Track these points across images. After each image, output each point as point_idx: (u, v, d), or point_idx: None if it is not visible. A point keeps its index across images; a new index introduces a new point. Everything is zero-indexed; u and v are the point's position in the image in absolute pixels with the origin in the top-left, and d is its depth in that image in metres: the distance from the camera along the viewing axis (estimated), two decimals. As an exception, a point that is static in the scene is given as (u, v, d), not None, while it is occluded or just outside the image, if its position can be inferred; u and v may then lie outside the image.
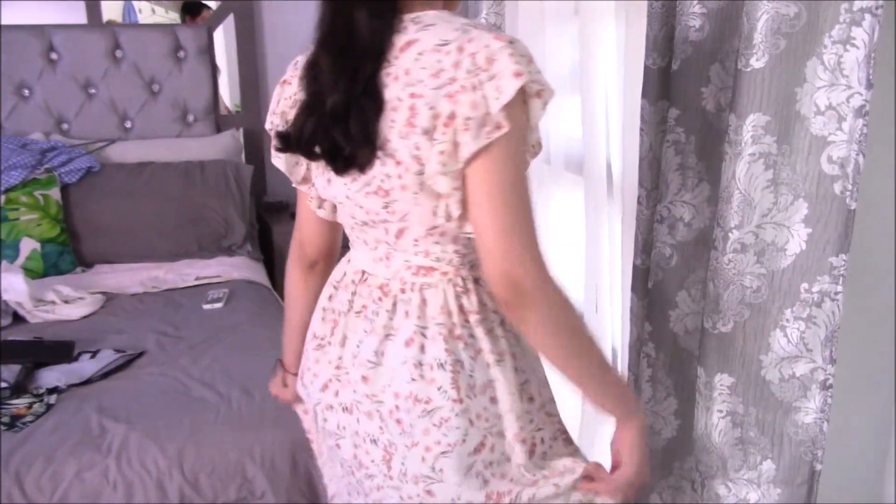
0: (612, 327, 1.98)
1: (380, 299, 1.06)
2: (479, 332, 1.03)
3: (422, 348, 1.01)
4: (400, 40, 0.95)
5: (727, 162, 1.14)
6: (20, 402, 1.70)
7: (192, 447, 1.58)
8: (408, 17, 0.97)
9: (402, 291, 1.04)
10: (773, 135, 1.08)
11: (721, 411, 1.21)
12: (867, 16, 0.97)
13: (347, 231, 1.14)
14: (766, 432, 1.17)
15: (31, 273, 2.50)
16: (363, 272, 1.10)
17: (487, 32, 0.92)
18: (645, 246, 1.54)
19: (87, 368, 1.86)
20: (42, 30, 2.87)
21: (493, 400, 1.03)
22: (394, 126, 0.94)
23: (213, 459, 1.58)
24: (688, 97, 1.31)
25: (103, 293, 2.42)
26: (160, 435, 1.60)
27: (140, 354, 1.97)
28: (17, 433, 1.59)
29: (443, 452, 1.00)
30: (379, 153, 0.96)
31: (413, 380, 1.00)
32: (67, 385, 1.79)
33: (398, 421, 1.02)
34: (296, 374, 1.25)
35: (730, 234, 1.14)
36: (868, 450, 1.34)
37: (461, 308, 1.03)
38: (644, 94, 1.46)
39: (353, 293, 1.09)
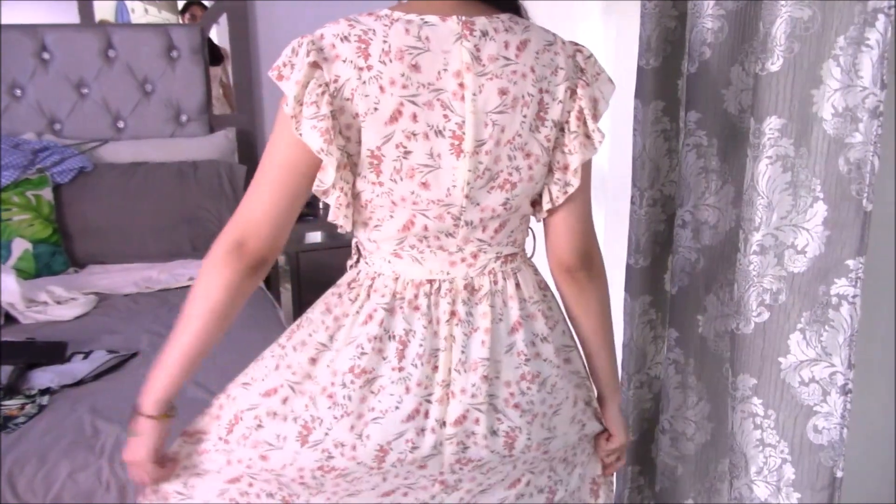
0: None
1: (469, 299, 1.08)
2: (554, 304, 1.15)
3: (526, 329, 1.09)
4: (513, 39, 1.01)
5: (748, 164, 1.14)
6: (12, 404, 1.69)
7: (185, 448, 1.58)
8: (503, 16, 1.03)
9: (495, 283, 1.09)
10: (790, 137, 1.09)
11: (743, 412, 1.21)
12: (880, 16, 0.98)
13: (399, 245, 1.06)
14: (786, 436, 1.16)
15: (23, 273, 2.49)
16: (430, 281, 1.07)
17: (562, 37, 1.07)
18: (638, 246, 1.54)
19: (80, 369, 1.85)
20: (34, 29, 2.86)
21: (568, 361, 1.15)
22: (525, 121, 1.02)
23: (207, 460, 1.57)
24: (708, 100, 1.31)
25: (96, 294, 2.40)
26: (154, 436, 1.59)
27: (133, 355, 1.96)
28: (10, 434, 1.58)
29: (554, 413, 1.12)
30: (508, 147, 1.02)
31: (527, 360, 1.08)
32: (60, 386, 1.78)
33: (516, 406, 1.08)
34: (156, 417, 1.07)
35: (750, 236, 1.14)
36: (875, 452, 1.34)
37: (539, 284, 1.14)
38: (637, 95, 1.46)
39: (429, 305, 1.06)
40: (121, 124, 3.01)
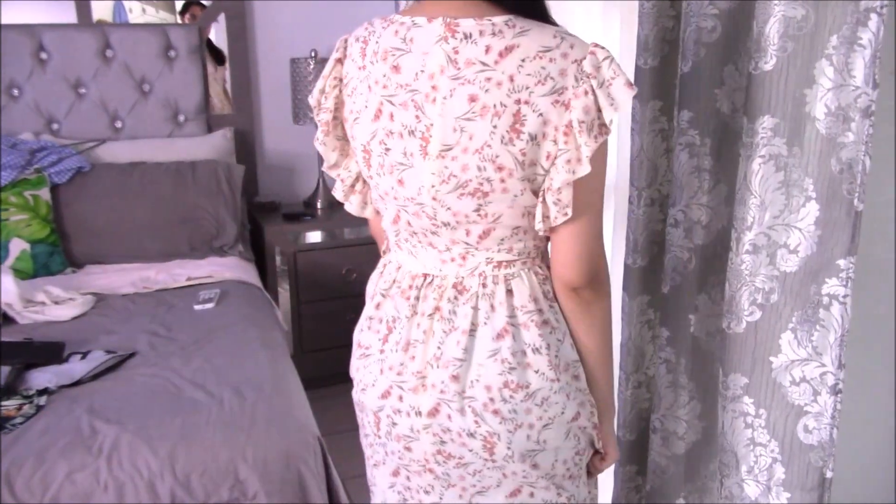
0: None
1: (455, 298, 1.08)
2: (560, 316, 1.11)
3: (514, 338, 1.06)
4: (497, 44, 0.96)
5: (740, 164, 1.14)
6: (10, 404, 1.69)
7: (183, 448, 1.58)
8: (498, 19, 0.97)
9: (484, 286, 1.08)
10: (783, 136, 1.09)
11: (734, 411, 1.21)
12: (873, 15, 0.98)
13: (398, 237, 1.13)
14: (777, 435, 1.16)
15: (20, 274, 2.49)
16: (425, 275, 1.11)
17: (581, 40, 0.98)
18: (636, 246, 1.54)
19: (78, 369, 1.85)
20: (32, 29, 2.86)
21: (577, 377, 1.11)
22: (495, 132, 0.97)
23: (205, 460, 1.58)
24: (701, 99, 1.30)
25: (94, 294, 2.40)
26: (151, 436, 1.59)
27: (131, 355, 1.96)
28: (7, 435, 1.59)
29: (545, 426, 1.09)
30: (477, 156, 0.99)
31: (511, 369, 1.06)
32: (58, 386, 1.78)
33: (495, 412, 1.06)
34: None
35: (742, 236, 1.14)
36: (871, 454, 1.34)
37: (545, 294, 1.10)
38: (635, 94, 1.46)
39: (417, 297, 1.10)
40: (118, 124, 3.01)
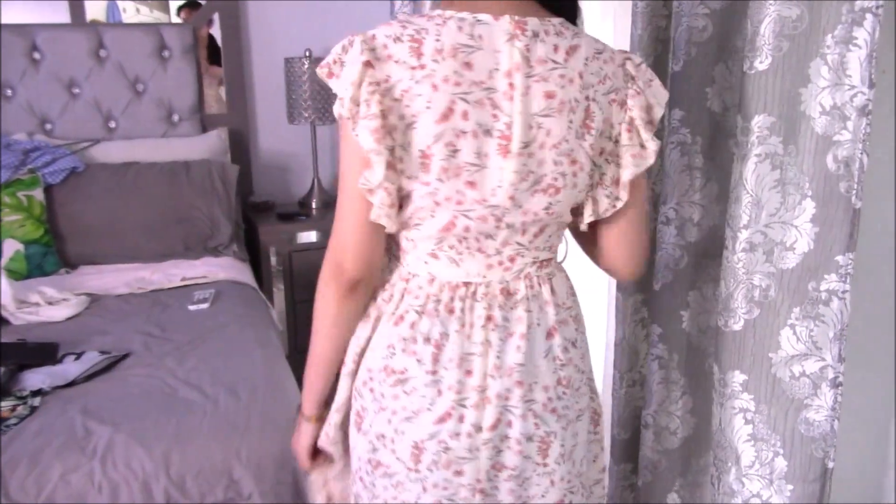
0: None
1: (505, 304, 1.07)
2: (581, 309, 1.16)
3: (560, 335, 1.09)
4: (562, 43, 0.99)
5: (735, 163, 1.15)
6: (4, 405, 1.69)
7: (178, 449, 1.57)
8: (555, 20, 1.01)
9: (531, 287, 1.08)
10: (779, 135, 1.09)
11: (734, 408, 1.22)
12: (868, 15, 0.98)
13: (438, 245, 1.06)
14: (778, 429, 1.17)
15: (14, 274, 2.48)
16: (467, 285, 1.06)
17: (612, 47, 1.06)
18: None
19: (72, 370, 1.84)
20: (25, 29, 2.85)
21: (589, 367, 1.18)
22: (571, 127, 1.00)
23: (200, 461, 1.57)
24: (692, 98, 1.32)
25: (88, 294, 2.40)
26: (146, 437, 1.59)
27: (125, 356, 1.96)
28: (2, 436, 1.58)
29: (577, 417, 1.13)
30: (553, 152, 1.01)
31: (562, 366, 1.09)
32: (52, 387, 1.77)
33: (553, 410, 1.09)
34: (320, 421, 1.20)
35: (738, 234, 1.15)
36: (869, 447, 1.35)
37: (570, 289, 1.15)
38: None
39: (463, 310, 1.06)
40: (112, 124, 3.00)
